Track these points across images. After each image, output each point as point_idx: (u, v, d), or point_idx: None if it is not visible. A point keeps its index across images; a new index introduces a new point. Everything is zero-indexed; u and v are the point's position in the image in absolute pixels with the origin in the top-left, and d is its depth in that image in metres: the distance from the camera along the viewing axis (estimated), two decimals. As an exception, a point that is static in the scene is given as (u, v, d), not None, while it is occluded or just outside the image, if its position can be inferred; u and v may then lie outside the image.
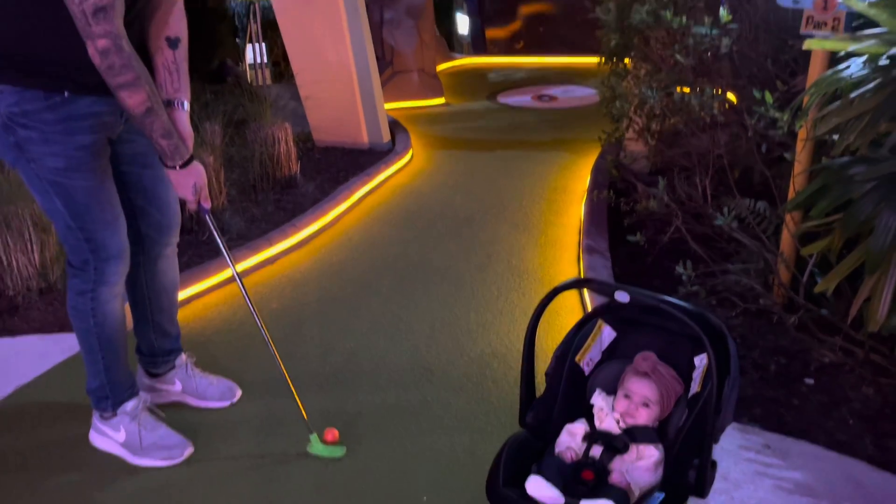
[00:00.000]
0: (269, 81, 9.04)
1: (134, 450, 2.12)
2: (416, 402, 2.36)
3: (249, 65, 9.26)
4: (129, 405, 2.15)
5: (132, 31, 1.81)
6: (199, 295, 3.07)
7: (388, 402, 2.36)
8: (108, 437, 2.16)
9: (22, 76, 1.78)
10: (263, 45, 9.13)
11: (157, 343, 2.32)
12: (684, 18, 2.74)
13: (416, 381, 2.47)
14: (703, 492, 1.71)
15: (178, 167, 1.93)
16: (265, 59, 9.29)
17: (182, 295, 2.93)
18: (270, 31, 9.69)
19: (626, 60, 3.56)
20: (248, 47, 9.37)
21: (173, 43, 1.98)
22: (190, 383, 2.36)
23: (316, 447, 2.11)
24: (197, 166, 1.98)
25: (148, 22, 1.94)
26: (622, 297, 1.73)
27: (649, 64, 3.29)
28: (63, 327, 2.76)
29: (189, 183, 1.97)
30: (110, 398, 2.14)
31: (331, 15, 4.79)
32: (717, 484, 1.81)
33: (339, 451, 2.12)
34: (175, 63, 1.99)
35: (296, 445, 2.13)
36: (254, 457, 2.13)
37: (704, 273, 2.87)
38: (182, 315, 2.53)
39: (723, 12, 2.65)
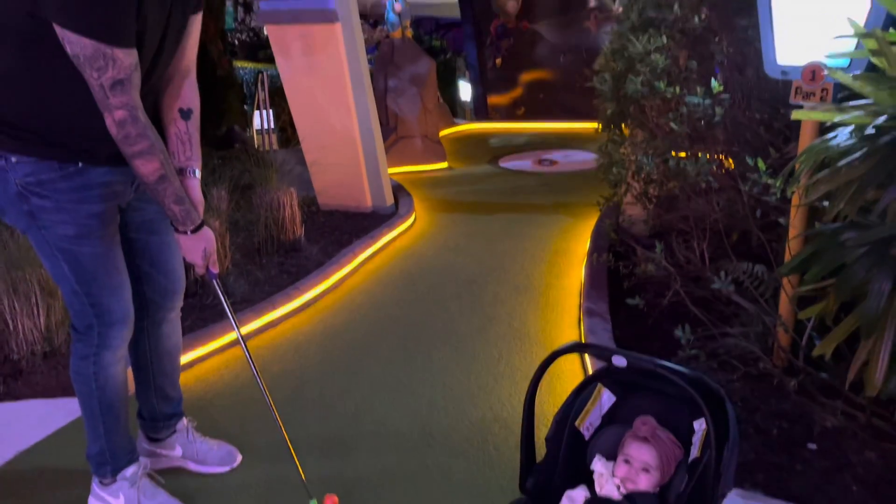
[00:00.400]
0: (275, 146, 9.24)
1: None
2: (417, 467, 2.34)
3: (257, 130, 9.49)
4: (129, 471, 2.15)
5: (147, 101, 1.90)
6: (201, 358, 3.09)
7: (389, 466, 2.35)
8: (107, 503, 2.15)
9: (39, 147, 1.84)
10: (271, 111, 9.37)
11: (158, 407, 2.33)
12: (678, 88, 2.84)
13: (417, 445, 2.46)
14: (705, 560, 1.70)
15: (188, 232, 1.98)
16: (272, 125, 9.52)
17: (184, 358, 2.95)
18: (278, 98, 9.97)
19: (623, 128, 3.66)
20: (256, 113, 9.62)
21: (186, 114, 2.05)
22: (190, 448, 2.36)
23: None
24: (207, 232, 2.04)
25: (161, 93, 2.03)
26: (619, 361, 1.76)
27: (645, 131, 3.38)
28: (66, 391, 2.77)
29: (199, 248, 2.02)
30: (110, 464, 2.13)
31: (336, 83, 4.95)
32: (721, 552, 1.78)
33: None
34: (187, 133, 2.06)
35: (295, 512, 2.12)
36: (253, 523, 2.12)
37: (704, 336, 2.88)
38: (184, 378, 2.55)
39: (714, 83, 2.74)
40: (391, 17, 7.52)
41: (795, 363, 2.60)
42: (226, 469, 2.36)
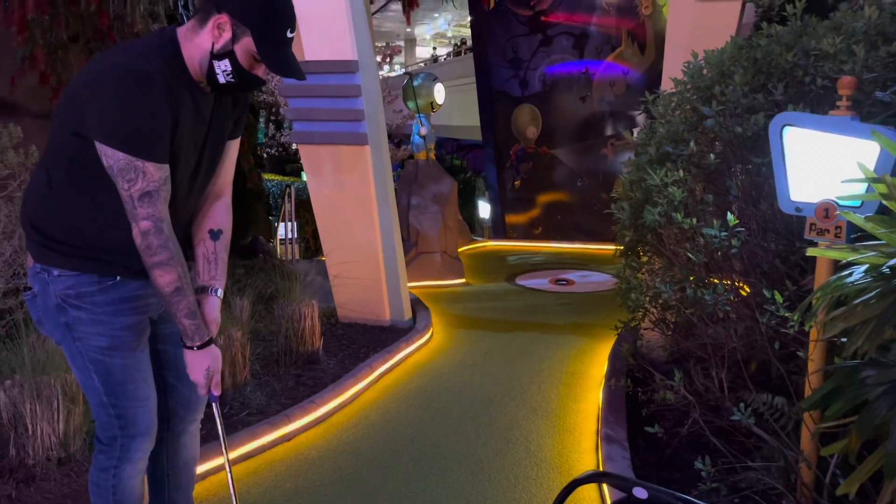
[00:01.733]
0: (297, 257, 9.45)
1: None
2: None
3: (280, 240, 9.74)
4: None
5: (183, 220, 2.01)
6: (214, 471, 3.05)
7: None
8: None
9: (80, 262, 1.93)
10: (295, 223, 9.66)
11: None
12: (695, 220, 2.93)
13: (431, 573, 2.39)
14: None
15: (195, 347, 1.97)
16: (296, 236, 9.78)
17: (198, 470, 2.93)
18: (302, 210, 10.30)
19: (641, 255, 3.74)
20: (280, 225, 9.91)
21: (215, 235, 2.13)
22: None
23: None
24: (214, 350, 2.02)
25: (196, 212, 2.13)
26: (640, 493, 1.74)
27: (663, 259, 3.45)
28: (76, 500, 2.74)
29: (203, 365, 1.99)
30: None
31: (363, 201, 5.14)
32: None
33: None
34: (215, 253, 2.13)
35: None
36: None
37: (724, 468, 2.83)
38: (197, 490, 2.52)
39: (730, 216, 2.83)
40: (416, 139, 7.87)
41: (820, 502, 2.54)
42: None
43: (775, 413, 2.81)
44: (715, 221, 2.94)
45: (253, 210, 9.14)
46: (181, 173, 1.97)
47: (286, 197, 9.73)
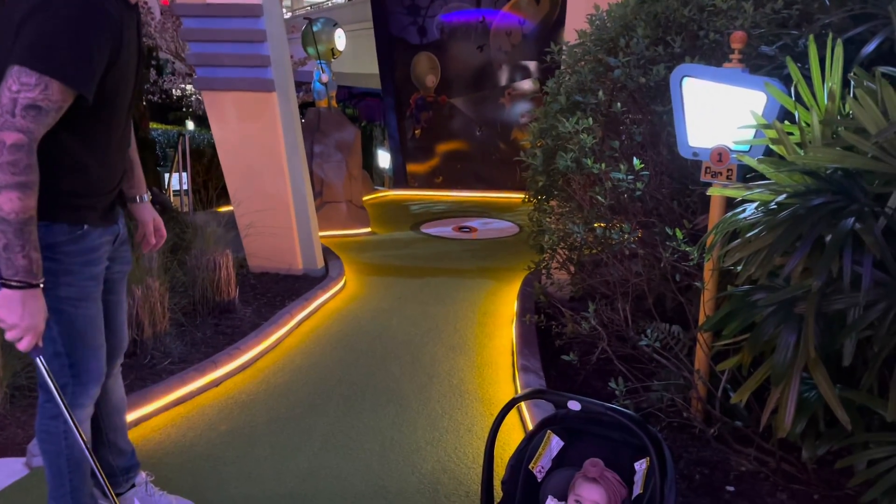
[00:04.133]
0: (192, 209, 9.16)
1: None
2: (373, 518, 2.43)
3: (174, 192, 9.40)
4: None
5: (121, 153, 2.02)
6: (145, 417, 3.07)
7: (346, 519, 2.43)
8: None
9: (50, 211, 1.83)
10: (186, 174, 9.34)
11: (114, 462, 2.34)
12: (603, 165, 3.16)
13: (373, 498, 2.55)
14: (651, 588, 1.88)
15: (29, 286, 1.75)
16: (188, 187, 9.47)
17: (128, 417, 2.94)
18: (191, 160, 9.95)
19: (551, 200, 3.97)
20: (174, 176, 9.54)
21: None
22: (149, 502, 2.36)
23: None
24: (41, 299, 1.81)
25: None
26: (574, 405, 1.95)
27: (573, 203, 3.69)
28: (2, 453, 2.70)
29: (25, 311, 1.76)
30: None
31: (271, 149, 5.09)
32: (661, 584, 1.96)
33: None
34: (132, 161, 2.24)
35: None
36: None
37: (629, 390, 3.14)
38: (131, 437, 2.55)
39: (636, 161, 3.08)
40: (318, 86, 7.77)
41: (713, 413, 2.88)
42: None
43: (672, 339, 3.13)
44: (621, 166, 3.19)
45: (143, 160, 8.76)
46: (122, 100, 1.94)
47: (178, 146, 9.37)
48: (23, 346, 1.78)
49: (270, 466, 2.74)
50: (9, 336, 1.77)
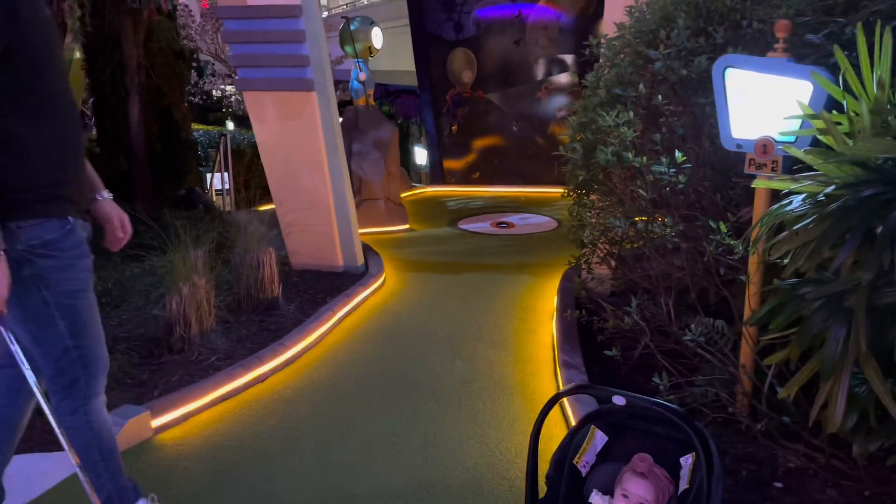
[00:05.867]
0: (233, 207, 9.33)
1: None
2: (418, 511, 2.46)
3: (217, 192, 9.57)
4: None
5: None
6: (193, 413, 3.15)
7: (392, 515, 2.46)
8: None
9: (41, 207, 1.89)
10: (228, 174, 9.50)
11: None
12: (644, 158, 3.13)
13: (417, 493, 2.58)
14: (699, 583, 1.86)
15: None
16: (230, 187, 9.63)
17: (175, 413, 3.04)
18: (232, 160, 10.12)
19: (591, 194, 3.95)
20: (216, 176, 9.72)
21: None
22: None
23: None
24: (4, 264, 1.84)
25: None
26: (619, 400, 1.95)
27: (613, 197, 3.66)
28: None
29: None
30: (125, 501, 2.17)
31: (311, 148, 5.15)
32: (708, 581, 1.95)
33: None
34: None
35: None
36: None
37: (673, 385, 3.11)
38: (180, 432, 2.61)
39: (678, 154, 3.05)
40: (355, 84, 7.83)
41: (759, 408, 2.84)
42: None
43: (717, 334, 3.09)
44: (663, 159, 3.15)
45: (186, 161, 8.95)
46: (45, 63, 1.91)
47: (220, 146, 9.54)
48: None
49: (315, 461, 2.79)
50: None
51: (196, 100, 17.39)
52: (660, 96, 3.27)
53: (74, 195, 1.99)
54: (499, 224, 7.68)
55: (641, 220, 3.32)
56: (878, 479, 2.54)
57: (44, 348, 2.02)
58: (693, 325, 2.96)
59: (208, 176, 10.32)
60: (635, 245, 3.62)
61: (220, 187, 9.78)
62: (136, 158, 7.27)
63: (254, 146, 7.05)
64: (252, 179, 10.22)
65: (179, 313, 3.66)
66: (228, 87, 18.27)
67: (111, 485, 2.16)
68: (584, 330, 4.02)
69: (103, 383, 2.14)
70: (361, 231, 6.62)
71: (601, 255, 3.99)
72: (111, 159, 7.19)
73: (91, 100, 7.86)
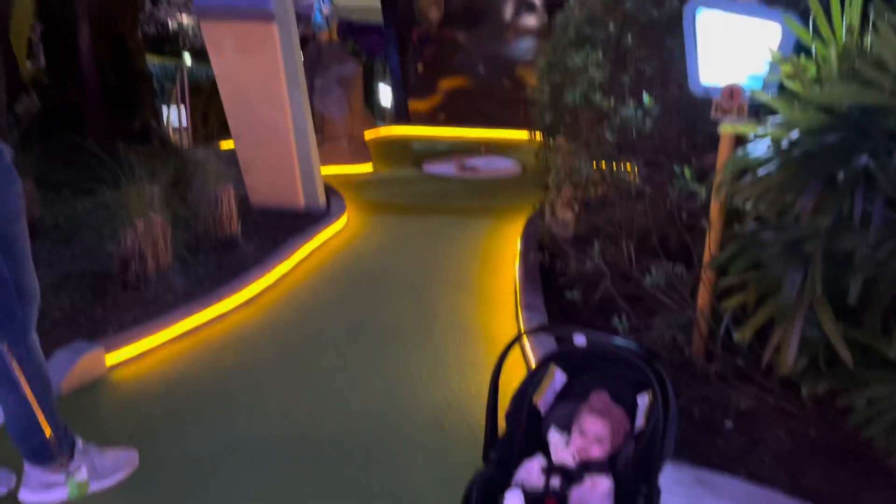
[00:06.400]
0: (190, 143, 9.06)
1: (101, 475, 2.18)
2: (381, 450, 2.48)
3: (174, 127, 9.28)
4: (79, 443, 2.20)
5: None
6: (151, 350, 3.10)
7: (354, 451, 2.47)
8: (59, 484, 2.14)
9: None
10: (184, 108, 9.19)
11: None
12: (612, 101, 3.10)
13: (379, 430, 2.60)
14: (651, 517, 1.92)
15: None
16: (188, 122, 9.33)
17: (133, 350, 2.99)
18: (190, 95, 9.78)
19: (561, 138, 3.92)
20: (172, 110, 9.39)
21: None
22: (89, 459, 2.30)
23: None
24: None
25: None
26: (580, 340, 1.96)
27: (580, 140, 3.64)
28: None
29: None
30: (65, 442, 2.14)
31: (271, 82, 4.98)
32: (657, 515, 2.02)
33: None
34: None
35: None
36: None
37: (632, 328, 3.15)
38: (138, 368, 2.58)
39: (647, 97, 3.02)
40: (318, 18, 7.58)
41: (714, 351, 2.91)
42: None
43: (676, 278, 3.13)
44: (630, 102, 3.13)
45: (140, 93, 8.62)
46: None
47: (177, 80, 9.19)
48: None
49: (277, 400, 2.78)
50: None
51: (151, 30, 16.66)
52: (630, 38, 3.22)
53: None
54: (464, 167, 7.62)
55: (609, 163, 3.31)
56: (824, 420, 2.63)
57: None
58: (653, 270, 2.98)
59: (165, 110, 9.97)
60: (600, 189, 3.62)
61: (177, 123, 9.47)
62: (87, 89, 6.95)
63: (212, 81, 6.83)
64: (211, 115, 9.91)
65: (135, 250, 3.57)
66: (186, 19, 17.55)
67: (53, 421, 2.12)
68: (546, 273, 4.04)
69: (35, 316, 2.08)
70: (323, 170, 6.50)
71: (566, 199, 3.99)
72: (60, 89, 6.87)
73: (40, 29, 7.48)
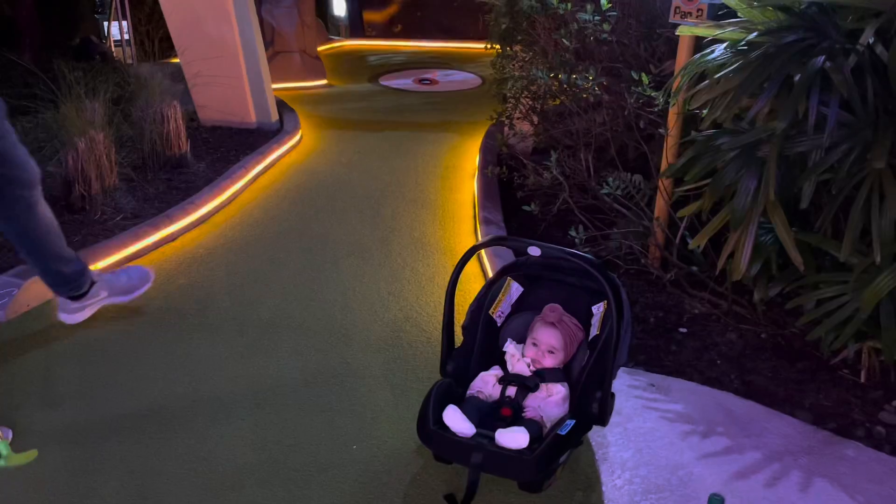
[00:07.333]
0: (135, 59, 8.64)
1: (127, 291, 2.63)
2: (337, 364, 2.47)
3: (115, 42, 8.82)
4: (93, 271, 2.52)
5: None
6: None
7: (310, 365, 2.46)
8: (92, 304, 2.54)
9: None
10: (127, 22, 8.71)
11: (65, 270, 2.51)
12: (569, 5, 2.99)
13: (335, 345, 2.58)
14: (604, 420, 1.97)
15: None
16: (131, 37, 8.87)
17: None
18: (133, 8, 9.26)
19: (518, 47, 3.80)
20: (114, 24, 8.90)
21: None
22: (113, 287, 2.68)
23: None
24: None
25: None
26: (534, 251, 1.94)
27: (537, 48, 3.53)
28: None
29: None
30: (85, 273, 2.46)
31: (214, -9, 4.72)
32: (612, 418, 2.06)
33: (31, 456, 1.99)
34: None
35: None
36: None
37: (589, 238, 3.16)
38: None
39: (603, 0, 2.92)
40: (264, -78, 7.13)
41: (670, 259, 2.93)
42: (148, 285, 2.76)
43: (634, 188, 3.12)
44: (588, 6, 3.02)
45: (78, 6, 8.12)
46: None
47: (116, -8, 8.66)
48: None
49: (231, 318, 2.74)
50: None
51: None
52: (587, -63, 3.09)
53: None
54: (422, 80, 7.42)
55: (565, 70, 3.22)
56: (774, 323, 2.70)
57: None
58: (611, 180, 2.97)
59: (105, 25, 9.44)
60: (558, 100, 3.54)
61: (119, 37, 8.99)
62: (22, 2, 6.52)
63: (155, -9, 6.44)
64: (155, 30, 9.43)
65: (77, 170, 3.41)
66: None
67: (74, 256, 2.44)
68: (504, 187, 4.00)
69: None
70: (275, 86, 6.28)
71: (524, 110, 3.91)
72: (-9, 3, 6.44)
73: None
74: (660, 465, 2.02)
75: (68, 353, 2.48)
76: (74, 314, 2.55)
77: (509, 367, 2.10)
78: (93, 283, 2.51)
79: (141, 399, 2.26)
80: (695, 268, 2.87)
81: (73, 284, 2.46)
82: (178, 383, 2.34)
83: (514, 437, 1.77)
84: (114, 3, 8.74)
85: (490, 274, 3.05)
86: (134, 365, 2.43)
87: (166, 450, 2.03)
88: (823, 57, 2.00)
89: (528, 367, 2.06)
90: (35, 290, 2.71)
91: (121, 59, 8.34)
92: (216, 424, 2.14)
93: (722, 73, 2.25)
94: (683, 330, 2.78)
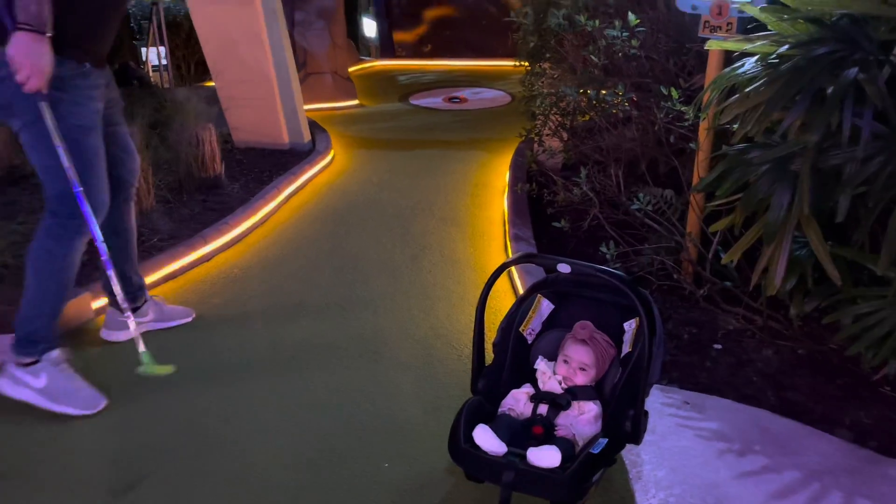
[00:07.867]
0: (171, 84, 8.85)
1: (54, 397, 2.29)
2: (368, 381, 2.48)
3: (153, 67, 9.05)
4: (54, 354, 2.32)
5: None
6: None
7: (341, 383, 2.47)
8: (24, 384, 2.30)
9: (61, 49, 2.07)
10: (164, 48, 8.93)
11: (134, 279, 2.71)
12: (597, 22, 3.00)
13: (366, 363, 2.60)
14: (638, 438, 1.94)
15: (31, 30, 1.98)
16: (168, 62, 9.09)
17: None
18: (170, 34, 9.50)
19: (547, 64, 3.81)
20: (151, 50, 9.13)
21: None
22: (160, 312, 2.81)
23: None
24: (47, 45, 2.02)
25: None
26: (564, 268, 1.94)
27: (565, 65, 3.54)
28: None
29: (33, 52, 2.00)
30: (42, 342, 2.30)
31: (249, 17, 4.82)
32: (646, 436, 2.04)
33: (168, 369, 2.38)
34: None
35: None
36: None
37: (620, 254, 3.14)
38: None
39: (631, 16, 2.92)
40: (295, -52, 7.28)
41: (703, 274, 2.90)
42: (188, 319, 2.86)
43: (665, 203, 3.10)
44: (616, 23, 3.03)
45: (117, 33, 8.34)
46: None
47: (153, 18, 8.90)
48: (30, 85, 2.02)
49: (265, 337, 2.77)
50: (18, 77, 2.00)
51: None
52: (614, -46, 3.10)
53: (95, 48, 2.22)
54: (451, 99, 7.48)
55: (594, 87, 3.22)
56: (811, 338, 2.65)
57: (47, 176, 2.20)
58: (641, 195, 2.95)
59: (143, 50, 9.70)
60: (587, 116, 3.54)
61: (156, 62, 9.22)
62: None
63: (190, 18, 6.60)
64: (191, 55, 9.66)
65: (116, 193, 3.50)
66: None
67: (45, 321, 2.30)
68: (534, 204, 4.00)
69: (94, 226, 2.24)
70: (307, 107, 6.38)
71: (553, 126, 3.92)
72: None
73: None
74: (695, 484, 1.98)
75: (101, 368, 2.53)
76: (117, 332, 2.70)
77: (540, 385, 2.08)
78: (36, 362, 2.31)
79: (175, 419, 2.29)
80: (728, 283, 2.83)
81: (26, 345, 2.31)
82: (215, 400, 2.37)
83: (546, 456, 1.75)
84: (151, 29, 8.99)
85: (520, 290, 3.05)
86: (164, 383, 2.46)
87: (199, 466, 2.06)
88: (856, 68, 1.97)
89: (560, 384, 2.05)
90: (73, 308, 2.78)
91: (158, 83, 8.55)
92: (249, 442, 2.17)
93: (752, 86, 2.23)
94: (718, 346, 2.73)
